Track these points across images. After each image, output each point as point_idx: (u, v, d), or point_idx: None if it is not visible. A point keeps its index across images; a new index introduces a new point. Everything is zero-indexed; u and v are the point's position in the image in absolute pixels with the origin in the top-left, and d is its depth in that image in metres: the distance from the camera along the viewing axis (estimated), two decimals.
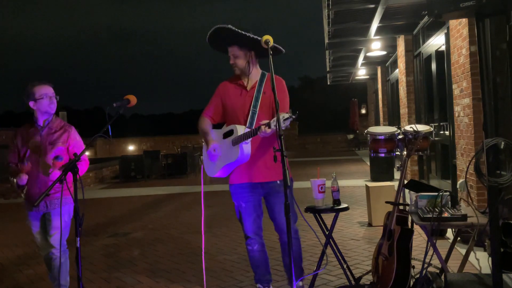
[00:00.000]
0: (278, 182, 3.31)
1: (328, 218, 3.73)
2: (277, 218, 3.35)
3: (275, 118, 2.73)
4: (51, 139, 3.55)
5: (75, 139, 3.64)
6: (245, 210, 3.38)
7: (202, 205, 3.54)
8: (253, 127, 3.15)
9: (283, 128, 2.68)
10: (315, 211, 3.54)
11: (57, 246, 3.54)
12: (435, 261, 3.40)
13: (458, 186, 5.47)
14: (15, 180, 3.43)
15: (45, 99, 3.50)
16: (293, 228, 3.36)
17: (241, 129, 3.16)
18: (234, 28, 3.12)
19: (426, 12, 2.84)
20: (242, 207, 3.38)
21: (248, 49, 3.27)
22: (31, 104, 3.52)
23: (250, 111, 3.26)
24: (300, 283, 3.51)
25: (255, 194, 3.35)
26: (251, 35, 3.12)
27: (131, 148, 26.38)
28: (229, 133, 3.26)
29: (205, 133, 3.38)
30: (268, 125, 2.82)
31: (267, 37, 2.82)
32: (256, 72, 3.37)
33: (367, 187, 6.09)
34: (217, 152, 3.25)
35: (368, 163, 11.71)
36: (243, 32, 3.12)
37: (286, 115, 2.68)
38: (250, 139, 3.12)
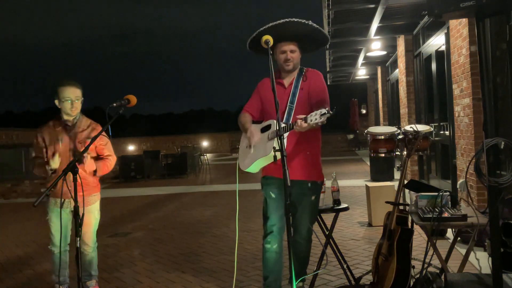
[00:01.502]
0: (309, 184, 3.22)
1: (328, 218, 3.73)
2: (297, 218, 3.24)
3: (313, 113, 2.68)
4: (80, 137, 3.60)
5: (102, 138, 3.70)
6: (274, 201, 3.22)
7: (237, 198, 3.38)
8: (289, 123, 3.08)
9: (319, 124, 2.67)
10: None
11: (89, 243, 3.68)
12: (435, 261, 3.40)
13: (458, 186, 5.48)
14: (49, 167, 3.45)
15: (66, 102, 3.51)
16: (309, 230, 3.30)
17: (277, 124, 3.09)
18: (309, 22, 3.07)
19: (426, 12, 2.85)
20: (272, 198, 3.23)
21: (301, 44, 3.23)
22: (56, 102, 3.57)
23: (287, 107, 3.19)
24: (301, 284, 3.49)
25: (282, 190, 3.22)
26: (323, 30, 3.13)
27: (131, 148, 26.35)
28: (267, 127, 3.17)
29: (243, 125, 3.30)
30: (305, 119, 2.74)
31: (267, 37, 2.81)
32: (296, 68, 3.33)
33: (367, 187, 6.09)
34: (253, 140, 3.15)
35: (368, 163, 11.71)
36: (319, 27, 3.10)
37: (324, 110, 2.62)
38: (286, 135, 3.03)
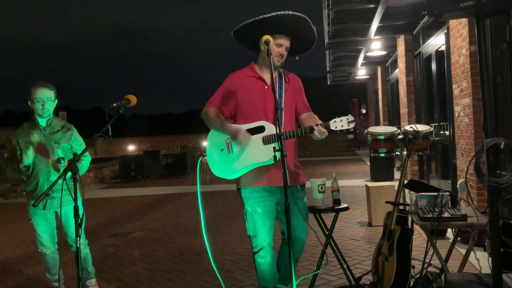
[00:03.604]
0: (299, 186, 3.15)
1: (328, 218, 3.73)
2: (294, 223, 3.06)
3: (337, 119, 2.65)
4: (55, 138, 3.64)
5: (77, 137, 3.75)
6: (261, 217, 3.04)
7: (200, 206, 3.22)
8: (282, 127, 2.90)
9: (344, 131, 2.65)
10: (315, 211, 3.54)
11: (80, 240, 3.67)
12: (435, 261, 3.40)
13: (458, 186, 5.47)
14: (21, 165, 3.49)
15: (38, 103, 3.55)
16: (306, 230, 3.23)
17: (273, 127, 2.90)
18: (314, 28, 3.01)
19: (426, 12, 2.84)
20: (258, 214, 3.04)
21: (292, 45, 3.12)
22: (29, 103, 3.61)
23: (277, 111, 2.97)
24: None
25: (273, 199, 3.06)
26: (315, 32, 3.09)
27: (131, 148, 26.38)
28: (257, 130, 2.95)
29: (221, 123, 3.00)
30: (327, 126, 2.67)
31: (267, 37, 2.79)
32: None
33: (367, 187, 6.09)
34: (243, 144, 2.93)
35: (368, 163, 11.71)
36: (313, 27, 3.04)
37: (351, 118, 2.61)
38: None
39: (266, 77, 3.10)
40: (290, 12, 2.91)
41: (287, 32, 3.05)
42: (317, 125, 2.75)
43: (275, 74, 3.09)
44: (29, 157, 3.48)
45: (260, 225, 3.06)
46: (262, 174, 3.02)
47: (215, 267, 3.25)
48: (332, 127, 2.66)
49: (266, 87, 3.08)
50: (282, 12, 2.91)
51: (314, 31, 3.07)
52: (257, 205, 3.06)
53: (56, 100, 3.66)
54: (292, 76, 3.23)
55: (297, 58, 3.25)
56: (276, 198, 3.08)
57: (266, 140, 2.92)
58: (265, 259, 3.09)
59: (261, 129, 2.97)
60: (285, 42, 3.06)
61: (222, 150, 3.05)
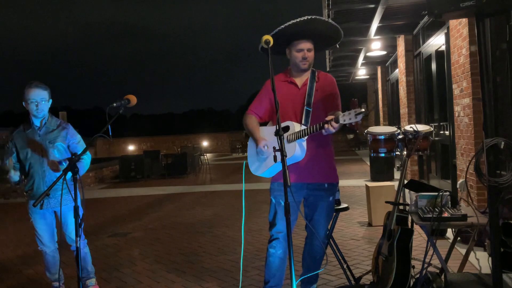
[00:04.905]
0: (326, 185, 3.19)
1: None
2: (316, 221, 3.21)
3: (345, 113, 2.66)
4: (50, 137, 3.63)
5: (74, 136, 3.72)
6: (283, 209, 3.07)
7: (243, 200, 3.31)
8: (308, 125, 3.04)
9: (352, 124, 2.66)
10: None
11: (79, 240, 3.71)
12: (435, 261, 3.40)
13: (458, 186, 5.47)
14: (10, 179, 3.51)
15: (32, 104, 3.55)
16: (325, 233, 3.32)
17: (297, 126, 3.02)
18: (329, 20, 3.05)
19: (426, 12, 2.84)
20: (281, 206, 3.17)
21: (316, 42, 3.18)
22: (23, 103, 3.61)
23: (304, 110, 3.12)
24: (315, 286, 3.43)
25: (298, 195, 3.17)
26: (339, 27, 3.13)
27: (131, 148, 26.40)
28: (284, 130, 3.06)
29: (253, 131, 3.20)
30: (336, 120, 2.71)
31: (267, 37, 2.77)
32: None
33: (367, 187, 6.09)
34: (268, 150, 3.08)
35: (368, 163, 11.71)
36: (335, 24, 3.08)
37: (358, 110, 2.61)
38: (306, 137, 2.98)
39: (298, 80, 3.24)
40: (292, 21, 2.97)
41: (303, 36, 3.11)
42: (326, 121, 2.79)
43: (308, 75, 3.22)
44: (14, 177, 3.51)
45: (280, 216, 3.18)
46: (293, 170, 3.11)
47: (242, 266, 3.32)
48: (341, 121, 2.70)
49: (295, 89, 3.21)
50: (283, 26, 2.98)
51: (330, 21, 3.09)
52: (281, 198, 3.16)
53: (50, 100, 3.65)
54: (324, 75, 3.29)
55: (337, 46, 3.31)
56: (302, 194, 3.20)
57: (290, 139, 3.03)
58: (276, 250, 3.20)
59: (287, 129, 3.09)
60: (304, 45, 3.13)
61: (257, 151, 3.21)
